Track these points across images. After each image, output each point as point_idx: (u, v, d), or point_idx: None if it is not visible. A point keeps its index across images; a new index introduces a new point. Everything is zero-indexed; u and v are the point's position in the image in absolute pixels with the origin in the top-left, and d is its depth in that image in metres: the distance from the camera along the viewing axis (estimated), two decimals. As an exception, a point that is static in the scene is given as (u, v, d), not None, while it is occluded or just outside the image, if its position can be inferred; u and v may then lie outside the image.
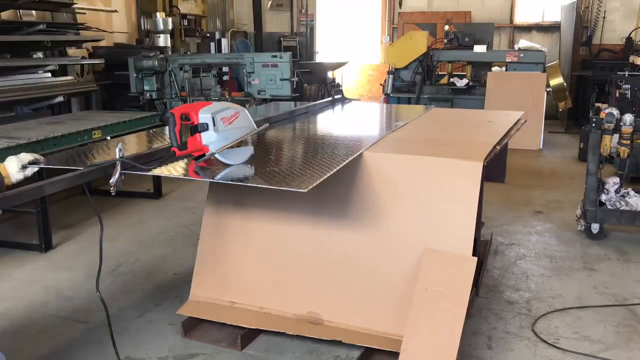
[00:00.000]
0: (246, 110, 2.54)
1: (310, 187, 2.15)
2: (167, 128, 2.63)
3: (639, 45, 9.36)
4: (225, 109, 2.44)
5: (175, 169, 2.43)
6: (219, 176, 2.38)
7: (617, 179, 4.66)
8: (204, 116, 2.37)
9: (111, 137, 3.72)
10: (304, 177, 2.31)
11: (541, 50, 8.69)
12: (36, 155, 2.38)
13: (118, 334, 3.02)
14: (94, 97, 7.14)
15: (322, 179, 2.26)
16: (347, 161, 2.62)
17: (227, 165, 2.44)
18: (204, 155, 2.40)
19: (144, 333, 3.04)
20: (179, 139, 2.39)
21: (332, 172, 2.38)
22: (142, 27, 9.24)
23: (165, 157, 2.49)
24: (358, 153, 2.79)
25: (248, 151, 2.53)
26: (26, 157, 2.33)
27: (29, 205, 3.85)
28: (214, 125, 2.37)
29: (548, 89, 8.29)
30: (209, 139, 2.38)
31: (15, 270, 3.95)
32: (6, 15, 6.03)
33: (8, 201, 1.96)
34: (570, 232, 4.65)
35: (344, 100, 4.72)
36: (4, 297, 3.53)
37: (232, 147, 2.44)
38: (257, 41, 10.76)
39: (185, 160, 2.53)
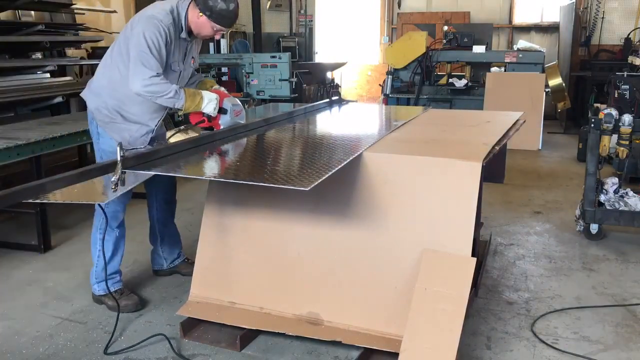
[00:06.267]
0: (244, 111, 3.35)
1: (312, 185, 2.16)
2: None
3: (638, 46, 9.36)
4: (237, 104, 3.28)
5: (174, 169, 2.44)
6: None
7: (615, 180, 4.66)
8: (227, 103, 3.18)
9: None
10: (304, 177, 2.31)
11: (540, 51, 8.70)
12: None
13: (117, 335, 3.03)
14: (92, 97, 7.10)
15: (324, 178, 2.27)
16: (347, 161, 2.62)
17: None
18: (211, 128, 3.17)
19: (142, 334, 3.04)
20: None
21: (333, 171, 2.39)
22: (141, 28, 9.22)
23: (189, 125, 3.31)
24: (358, 153, 2.79)
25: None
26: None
27: (28, 206, 3.84)
28: (230, 112, 3.19)
29: (547, 90, 8.29)
30: (223, 121, 3.18)
31: (14, 270, 3.94)
32: (5, 15, 6.03)
33: (10, 199, 1.96)
34: (569, 232, 4.65)
35: (341, 101, 4.72)
36: (2, 298, 3.52)
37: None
38: (256, 42, 10.75)
39: (185, 160, 2.54)
